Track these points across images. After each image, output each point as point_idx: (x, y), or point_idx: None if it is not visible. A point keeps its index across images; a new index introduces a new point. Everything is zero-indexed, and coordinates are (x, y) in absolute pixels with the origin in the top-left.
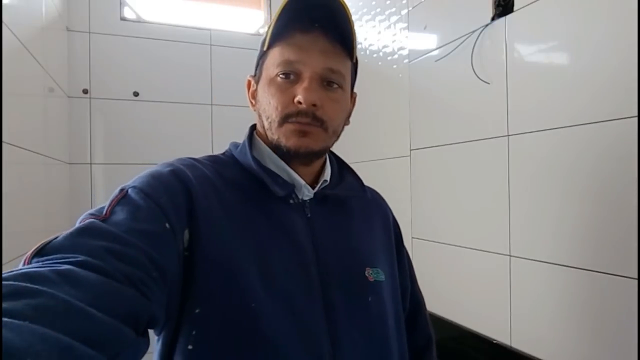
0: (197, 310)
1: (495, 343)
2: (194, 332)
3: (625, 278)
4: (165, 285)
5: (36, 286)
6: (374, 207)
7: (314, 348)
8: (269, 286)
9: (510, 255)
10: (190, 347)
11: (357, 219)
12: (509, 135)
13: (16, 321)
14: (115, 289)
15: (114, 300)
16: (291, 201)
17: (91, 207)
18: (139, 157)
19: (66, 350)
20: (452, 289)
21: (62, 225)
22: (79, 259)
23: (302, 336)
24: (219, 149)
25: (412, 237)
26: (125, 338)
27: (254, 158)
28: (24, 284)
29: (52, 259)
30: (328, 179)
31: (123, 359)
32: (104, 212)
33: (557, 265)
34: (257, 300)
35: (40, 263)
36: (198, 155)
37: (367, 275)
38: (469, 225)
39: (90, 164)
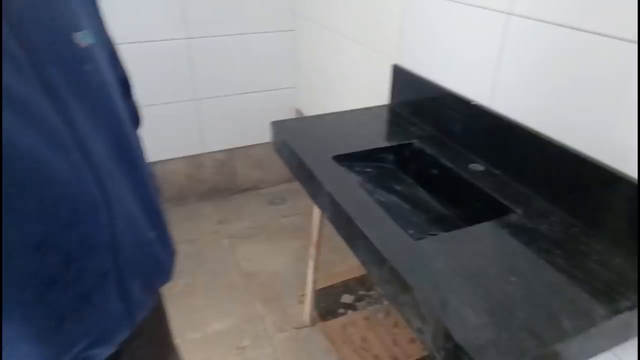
0: None
1: (474, 104)
2: None
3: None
4: None
5: None
6: None
7: (49, 133)
8: None
9: (508, 14)
10: None
11: None
12: None
13: None
14: None
15: None
16: None
17: None
18: None
19: None
20: (437, 48)
21: None
22: None
23: (34, 128)
24: None
25: None
26: None
27: None
28: None
29: None
30: None
31: None
32: None
33: (552, 25)
34: None
35: None
36: None
37: (76, 41)
38: None
39: None
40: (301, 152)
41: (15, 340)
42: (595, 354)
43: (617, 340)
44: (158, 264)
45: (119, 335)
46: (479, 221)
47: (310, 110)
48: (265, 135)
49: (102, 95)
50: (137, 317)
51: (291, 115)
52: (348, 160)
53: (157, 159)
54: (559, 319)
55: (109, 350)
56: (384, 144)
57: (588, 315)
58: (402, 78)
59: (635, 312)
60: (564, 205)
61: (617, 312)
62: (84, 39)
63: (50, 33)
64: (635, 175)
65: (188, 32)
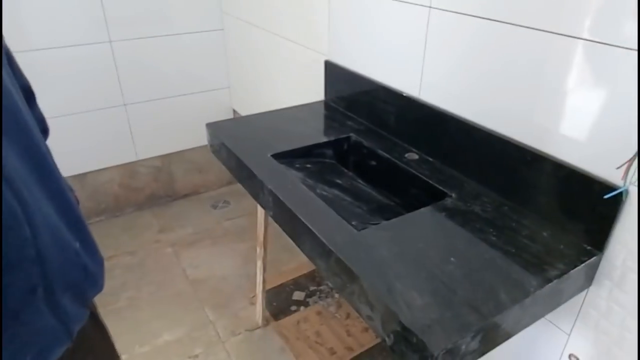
0: None
1: (405, 96)
2: None
3: (538, 31)
4: None
5: None
6: None
7: None
8: None
9: (430, 7)
10: None
11: None
12: None
13: None
14: None
15: None
16: None
17: None
18: None
19: None
20: (366, 42)
21: None
22: None
23: None
24: None
25: None
26: None
27: None
28: None
29: None
30: None
31: None
32: None
33: (471, 17)
34: None
35: None
36: None
37: None
38: None
39: None
40: (239, 153)
41: None
42: (531, 321)
43: (549, 307)
44: (87, 274)
45: (58, 349)
46: (417, 207)
47: (247, 110)
48: (202, 138)
49: (8, 105)
50: (73, 330)
51: (228, 116)
52: (287, 157)
53: (88, 170)
54: (497, 292)
55: None
56: (322, 139)
57: (522, 287)
58: (335, 74)
59: (563, 279)
60: (494, 187)
61: (548, 280)
62: None
63: None
64: (555, 154)
65: (110, 34)
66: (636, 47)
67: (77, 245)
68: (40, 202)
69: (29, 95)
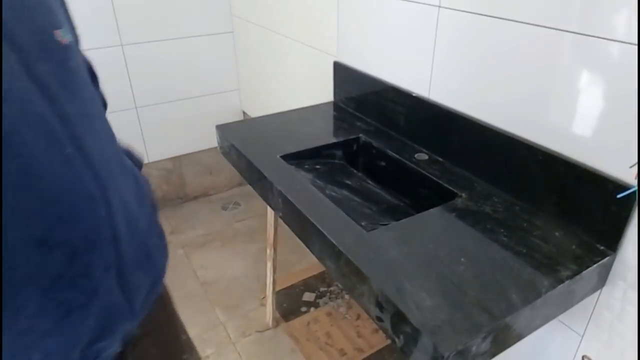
0: None
1: (415, 96)
2: None
3: (552, 30)
4: None
5: None
6: None
7: (44, 129)
8: None
9: (440, 6)
10: None
11: None
12: None
13: None
14: None
15: None
16: None
17: None
18: None
19: None
20: (375, 42)
21: None
22: None
23: (27, 124)
24: None
25: None
26: None
27: None
28: None
29: None
30: None
31: None
32: None
33: (481, 16)
34: None
35: None
36: None
37: (58, 38)
38: None
39: None
40: (249, 154)
41: (27, 334)
42: (543, 322)
43: (562, 308)
44: (155, 255)
45: (122, 326)
46: (427, 208)
47: (256, 112)
48: (212, 140)
49: (87, 90)
50: (137, 308)
51: (238, 118)
52: (297, 158)
53: None
54: (508, 293)
55: (115, 344)
56: (331, 140)
57: (534, 287)
58: (343, 74)
59: (575, 280)
60: (505, 186)
61: (560, 281)
62: (64, 36)
63: (33, 31)
64: (567, 153)
65: (122, 38)
66: None
67: (147, 226)
68: (118, 183)
69: (94, 76)
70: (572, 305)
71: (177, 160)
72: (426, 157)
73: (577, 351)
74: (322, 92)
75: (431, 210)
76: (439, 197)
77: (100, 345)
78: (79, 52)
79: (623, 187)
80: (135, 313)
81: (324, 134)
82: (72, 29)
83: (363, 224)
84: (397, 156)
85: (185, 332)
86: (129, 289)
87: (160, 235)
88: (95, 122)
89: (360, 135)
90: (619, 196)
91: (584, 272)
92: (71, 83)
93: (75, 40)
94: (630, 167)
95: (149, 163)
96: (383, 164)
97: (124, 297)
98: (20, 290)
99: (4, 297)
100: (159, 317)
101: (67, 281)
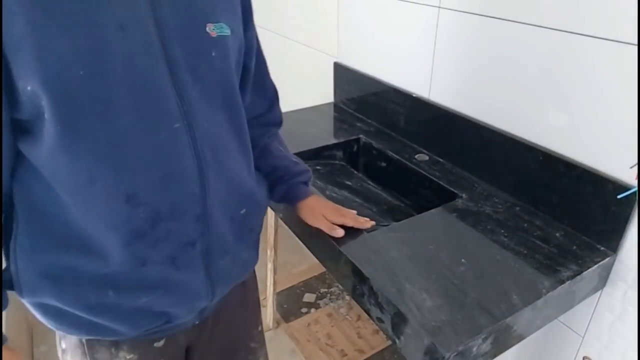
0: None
1: (415, 97)
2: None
3: (549, 29)
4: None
5: None
6: None
7: (160, 101)
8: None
9: (440, 7)
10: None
11: None
12: None
13: None
14: None
15: None
16: None
17: None
18: None
19: None
20: (376, 44)
21: None
22: None
23: (146, 93)
24: None
25: None
26: None
27: None
28: None
29: None
30: None
31: None
32: None
33: (481, 16)
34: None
35: None
36: None
37: (208, 30)
38: None
39: None
40: None
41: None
42: (544, 323)
43: (562, 308)
44: (247, 245)
45: (197, 303)
46: (428, 208)
47: None
48: None
49: (225, 80)
50: (217, 291)
51: None
52: None
53: None
54: (508, 294)
55: (189, 315)
56: (331, 141)
57: (534, 288)
58: (344, 75)
59: (576, 280)
60: (505, 187)
61: (561, 282)
62: (217, 30)
63: (182, 19)
64: (567, 154)
65: None
66: None
67: (244, 211)
68: (235, 169)
69: (274, 96)
70: (572, 306)
71: None
72: (426, 157)
73: (577, 352)
74: (323, 92)
75: (432, 210)
76: (439, 197)
77: (174, 310)
78: (236, 47)
79: (623, 187)
80: (214, 295)
81: (324, 135)
82: (237, 27)
83: None
84: (397, 157)
85: (261, 324)
86: (213, 272)
87: (254, 227)
88: (216, 109)
89: (361, 136)
90: (619, 197)
91: (585, 273)
92: (205, 70)
93: (236, 36)
94: (631, 167)
95: None
96: (383, 164)
97: (206, 278)
98: (104, 234)
99: (92, 235)
100: (236, 302)
101: (149, 241)
